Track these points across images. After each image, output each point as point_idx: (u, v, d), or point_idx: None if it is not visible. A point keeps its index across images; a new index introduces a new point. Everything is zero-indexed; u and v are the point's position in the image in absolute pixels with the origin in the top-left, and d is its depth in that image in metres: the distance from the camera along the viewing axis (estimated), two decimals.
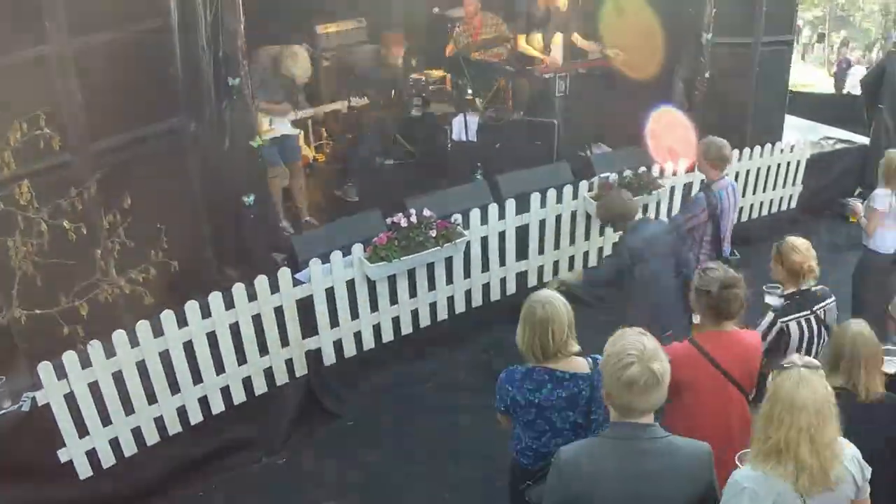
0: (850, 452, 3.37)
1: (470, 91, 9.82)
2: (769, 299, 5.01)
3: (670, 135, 9.12)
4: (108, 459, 5.95)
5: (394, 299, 7.30)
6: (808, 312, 4.88)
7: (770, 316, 4.88)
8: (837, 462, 3.25)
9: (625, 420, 3.25)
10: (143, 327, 5.81)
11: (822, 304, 4.95)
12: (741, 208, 9.80)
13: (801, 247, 4.97)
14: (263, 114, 7.98)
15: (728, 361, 4.32)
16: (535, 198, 7.86)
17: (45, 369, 5.41)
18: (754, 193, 10.03)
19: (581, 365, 4.06)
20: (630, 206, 6.48)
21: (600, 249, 8.67)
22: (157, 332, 5.90)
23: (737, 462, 3.52)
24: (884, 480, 3.77)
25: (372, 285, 7.06)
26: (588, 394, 4.00)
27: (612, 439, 3.30)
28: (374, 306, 7.18)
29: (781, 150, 10.04)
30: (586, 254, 8.59)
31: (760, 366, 4.44)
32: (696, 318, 4.90)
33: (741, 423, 4.31)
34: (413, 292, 7.41)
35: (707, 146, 6.65)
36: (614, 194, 6.86)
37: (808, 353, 4.73)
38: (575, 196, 8.15)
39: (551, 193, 7.90)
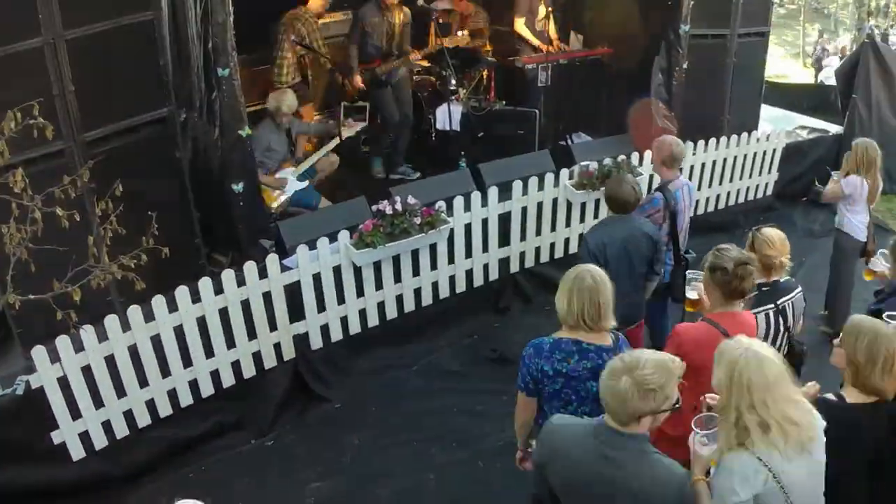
0: (821, 423, 3.36)
1: (453, 81, 9.86)
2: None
3: (650, 124, 9.21)
4: (100, 441, 5.98)
5: (379, 285, 7.33)
6: (773, 306, 4.84)
7: (739, 307, 4.74)
8: (807, 424, 3.26)
9: (610, 424, 3.28)
10: (134, 312, 5.84)
11: (789, 296, 4.91)
12: (718, 196, 9.97)
13: (776, 241, 4.92)
14: (269, 187, 8.01)
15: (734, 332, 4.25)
16: (517, 186, 7.89)
17: (38, 353, 5.44)
18: (731, 181, 10.09)
19: (604, 338, 4.12)
20: (620, 192, 5.94)
21: (580, 236, 8.71)
22: (149, 317, 5.93)
23: (692, 427, 3.57)
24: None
25: (358, 271, 7.08)
26: None
27: (591, 434, 3.35)
28: (360, 292, 7.21)
29: (758, 139, 10.11)
30: (567, 240, 8.63)
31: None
32: (693, 295, 4.99)
33: None
34: (398, 278, 7.44)
35: (658, 146, 6.55)
36: (613, 177, 6.73)
37: (773, 345, 4.64)
38: (556, 184, 8.19)
39: (533, 181, 7.93)
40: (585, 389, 4.10)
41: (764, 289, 4.85)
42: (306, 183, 8.54)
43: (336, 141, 8.88)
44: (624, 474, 3.21)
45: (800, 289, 5.02)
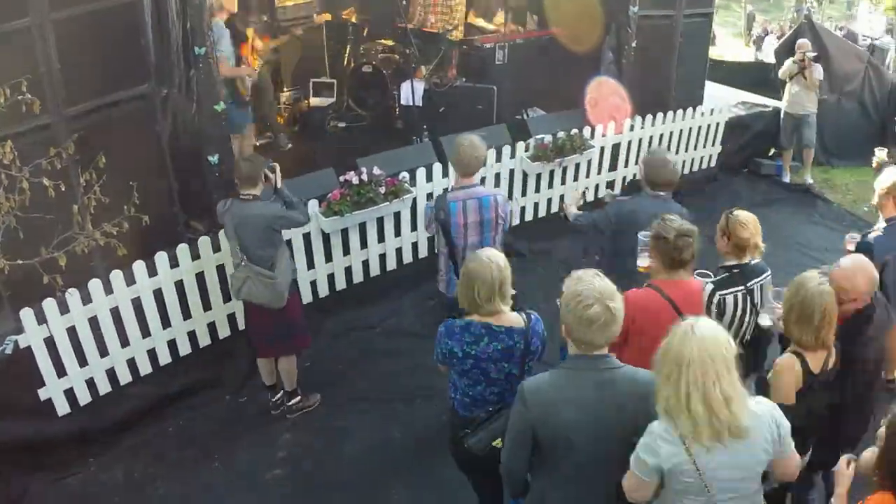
0: (762, 408, 3.21)
1: (416, 60, 9.92)
2: (762, 319, 4.69)
3: (603, 100, 9.36)
4: (84, 397, 6.05)
5: (346, 251, 7.43)
6: (743, 288, 4.69)
7: (709, 288, 4.63)
8: (738, 414, 3.05)
9: (583, 353, 3.33)
10: (116, 276, 5.90)
11: (758, 278, 4.77)
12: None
13: (749, 223, 4.75)
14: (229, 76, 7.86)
15: (683, 306, 4.24)
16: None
17: (26, 315, 5.50)
18: (677, 153, 10.22)
19: (516, 319, 4.02)
20: (655, 171, 5.53)
21: (535, 205, 8.92)
22: (130, 280, 5.99)
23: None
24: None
25: (326, 237, 7.18)
26: (523, 346, 4.00)
27: (572, 370, 3.37)
28: (328, 257, 7.30)
29: (702, 114, 10.32)
30: (523, 209, 8.81)
31: None
32: (644, 263, 4.85)
33: None
34: (364, 244, 7.53)
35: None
36: (655, 153, 5.98)
37: (741, 326, 4.68)
38: (513, 156, 8.36)
39: (491, 154, 7.99)
40: (497, 370, 4.02)
41: (735, 270, 4.76)
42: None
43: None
44: (614, 390, 3.28)
45: (769, 271, 4.89)
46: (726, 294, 4.62)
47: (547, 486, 3.53)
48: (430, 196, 7.75)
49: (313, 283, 7.38)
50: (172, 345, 6.54)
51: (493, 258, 3.97)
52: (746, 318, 4.70)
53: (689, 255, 4.43)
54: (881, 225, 5.58)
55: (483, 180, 7.99)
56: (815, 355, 3.98)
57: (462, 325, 4.02)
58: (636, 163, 9.65)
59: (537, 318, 4.09)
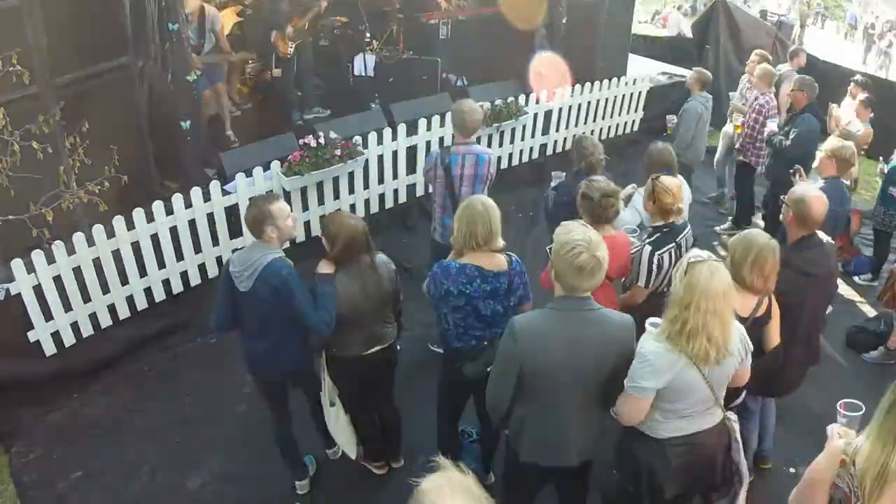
0: (739, 332, 3.51)
1: (368, 34, 10.01)
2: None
3: (548, 72, 9.52)
4: (69, 339, 6.12)
5: (305, 207, 7.53)
6: (674, 245, 4.80)
7: (647, 250, 4.74)
8: (734, 338, 3.39)
9: (569, 296, 3.38)
10: (98, 230, 5.95)
11: (682, 234, 4.88)
12: (592, 131, 10.25)
13: (673, 189, 4.81)
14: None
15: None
16: (422, 123, 8.16)
17: (17, 265, 5.56)
18: (603, 119, 10.51)
19: (502, 262, 4.12)
20: (659, 158, 5.63)
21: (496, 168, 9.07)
22: (110, 234, 6.05)
23: (647, 326, 3.55)
24: None
25: (287, 195, 7.23)
26: (506, 286, 4.12)
27: (559, 311, 3.40)
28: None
29: (626, 83, 10.56)
30: None
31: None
32: None
33: (606, 302, 4.58)
34: (321, 201, 7.63)
35: (454, 110, 5.89)
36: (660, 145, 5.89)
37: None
38: (481, 123, 8.46)
39: (435, 119, 8.19)
40: (485, 306, 4.12)
41: (665, 230, 4.84)
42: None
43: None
44: (595, 329, 3.36)
45: (689, 227, 5.04)
46: (663, 253, 4.75)
47: (527, 413, 3.59)
48: (380, 157, 7.92)
49: None
50: (149, 291, 6.60)
51: (489, 204, 4.11)
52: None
53: (612, 214, 4.63)
54: (819, 184, 5.88)
55: (428, 143, 8.23)
56: (747, 301, 4.08)
57: (458, 268, 4.09)
58: (566, 128, 9.94)
59: (517, 260, 4.21)
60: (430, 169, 5.89)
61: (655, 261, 4.74)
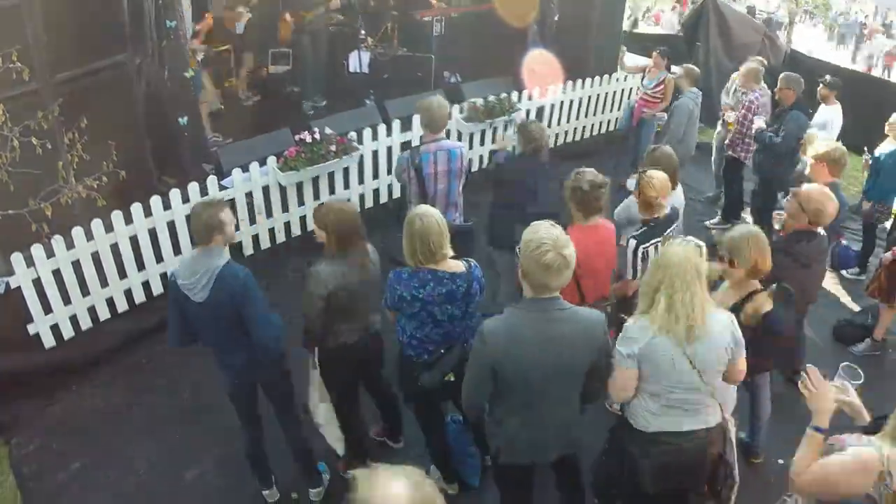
0: (725, 317, 3.52)
1: (363, 32, 10.00)
2: None
3: (540, 69, 9.54)
4: (68, 332, 6.16)
5: (301, 201, 7.57)
6: (660, 239, 4.81)
7: (633, 243, 4.79)
8: (707, 313, 3.39)
9: (537, 296, 3.36)
10: (97, 225, 5.98)
11: (670, 228, 4.92)
12: (584, 127, 10.37)
13: (657, 183, 4.85)
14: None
15: (590, 248, 4.39)
16: (416, 119, 8.02)
17: (16, 259, 5.59)
18: (595, 115, 10.54)
19: (457, 266, 4.06)
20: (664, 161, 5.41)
21: (469, 161, 9.09)
22: (109, 228, 6.08)
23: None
24: None
25: (283, 190, 7.31)
26: (465, 289, 4.05)
27: (528, 312, 3.39)
28: (284, 207, 7.44)
29: (617, 80, 10.58)
30: None
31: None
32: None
33: (597, 293, 4.66)
34: (317, 196, 7.65)
35: (419, 107, 5.94)
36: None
37: None
38: (449, 117, 8.52)
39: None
40: (441, 312, 4.07)
41: (651, 224, 4.90)
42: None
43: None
44: (567, 327, 3.36)
45: (679, 219, 5.10)
46: (648, 246, 4.80)
47: (504, 412, 3.61)
48: (375, 153, 7.94)
49: (271, 231, 7.51)
50: (147, 285, 6.64)
51: (432, 213, 4.01)
52: None
53: (602, 204, 4.63)
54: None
55: (422, 139, 8.13)
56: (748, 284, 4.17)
57: (410, 272, 4.04)
58: (558, 123, 9.98)
59: (476, 265, 4.17)
60: (404, 171, 5.80)
61: (640, 253, 4.78)
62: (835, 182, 5.74)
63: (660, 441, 3.59)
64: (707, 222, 8.90)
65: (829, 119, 8.16)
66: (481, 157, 9.26)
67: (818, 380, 3.14)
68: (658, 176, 4.92)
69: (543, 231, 3.34)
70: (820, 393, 3.10)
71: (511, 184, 5.48)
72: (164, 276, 6.70)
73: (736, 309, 4.03)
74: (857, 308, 7.24)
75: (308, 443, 4.91)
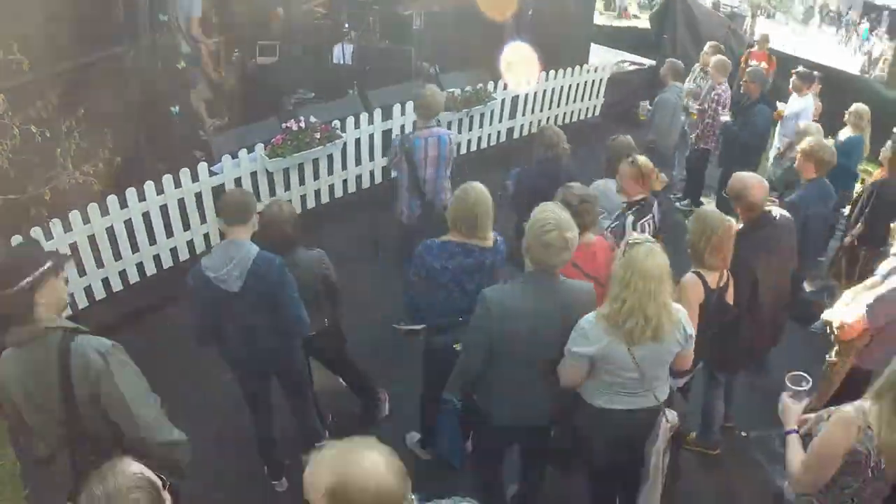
0: (681, 315, 3.50)
1: (346, 25, 10.08)
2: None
3: (509, 60, 9.62)
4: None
5: (287, 187, 7.65)
6: (651, 216, 4.95)
7: (630, 220, 4.86)
8: (672, 319, 3.39)
9: (538, 271, 3.45)
10: (93, 209, 6.02)
11: (654, 207, 5.03)
12: (556, 116, 10.51)
13: (644, 169, 4.94)
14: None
15: (584, 264, 4.27)
16: (397, 108, 8.27)
17: (16, 242, 5.49)
18: (567, 104, 10.68)
19: (487, 241, 4.13)
20: (624, 146, 5.62)
21: (458, 145, 9.19)
22: (104, 212, 6.11)
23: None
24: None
25: (271, 176, 7.39)
26: (492, 262, 4.13)
27: (525, 283, 3.49)
28: (272, 192, 7.51)
29: (588, 71, 10.71)
30: None
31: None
32: None
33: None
34: (302, 181, 7.76)
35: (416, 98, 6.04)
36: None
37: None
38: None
39: (409, 105, 8.22)
40: (470, 280, 4.11)
41: (642, 203, 4.96)
42: None
43: None
44: (560, 298, 3.45)
45: (657, 201, 5.14)
46: (643, 222, 4.90)
47: (494, 376, 3.65)
48: (357, 141, 8.04)
49: (260, 214, 7.49)
50: (140, 266, 6.70)
51: (485, 191, 4.06)
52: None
53: (591, 219, 4.44)
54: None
55: (402, 128, 8.31)
56: (713, 275, 4.17)
57: (439, 244, 4.10)
58: (532, 112, 10.11)
59: (502, 240, 4.26)
60: (396, 155, 5.95)
61: (638, 228, 4.86)
62: (819, 180, 5.75)
63: (609, 414, 3.62)
64: (678, 204, 9.07)
65: (801, 108, 8.26)
66: (459, 146, 9.27)
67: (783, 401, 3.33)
68: (647, 160, 5.05)
69: (551, 211, 3.44)
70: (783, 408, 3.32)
71: (533, 190, 5.24)
72: (156, 257, 6.78)
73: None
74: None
75: (320, 431, 4.90)
